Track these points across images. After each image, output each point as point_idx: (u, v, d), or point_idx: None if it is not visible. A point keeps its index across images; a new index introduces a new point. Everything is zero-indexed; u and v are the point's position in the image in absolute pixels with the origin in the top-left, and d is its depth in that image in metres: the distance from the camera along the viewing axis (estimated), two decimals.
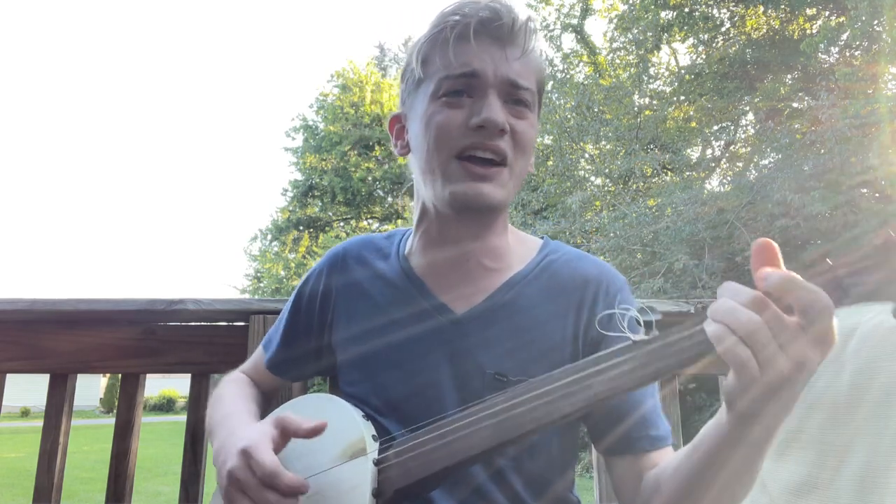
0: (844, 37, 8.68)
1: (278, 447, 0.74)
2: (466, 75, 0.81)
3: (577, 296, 0.88)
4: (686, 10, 11.53)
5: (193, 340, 1.34)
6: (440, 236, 0.90)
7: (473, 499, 0.82)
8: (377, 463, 0.77)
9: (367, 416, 0.85)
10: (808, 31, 10.48)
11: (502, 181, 0.83)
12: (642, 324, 0.65)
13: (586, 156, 11.99)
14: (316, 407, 0.91)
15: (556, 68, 13.35)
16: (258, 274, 21.13)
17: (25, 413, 25.67)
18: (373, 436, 0.80)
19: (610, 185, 11.36)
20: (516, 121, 0.83)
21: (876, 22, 7.93)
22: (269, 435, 0.74)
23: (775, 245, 0.59)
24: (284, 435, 0.75)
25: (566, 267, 0.92)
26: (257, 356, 1.07)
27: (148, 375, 1.35)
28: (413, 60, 0.86)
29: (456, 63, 0.82)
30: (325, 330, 0.98)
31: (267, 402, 1.05)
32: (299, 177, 20.81)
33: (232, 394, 0.99)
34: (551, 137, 12.00)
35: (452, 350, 0.86)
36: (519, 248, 0.94)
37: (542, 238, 0.98)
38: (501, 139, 0.81)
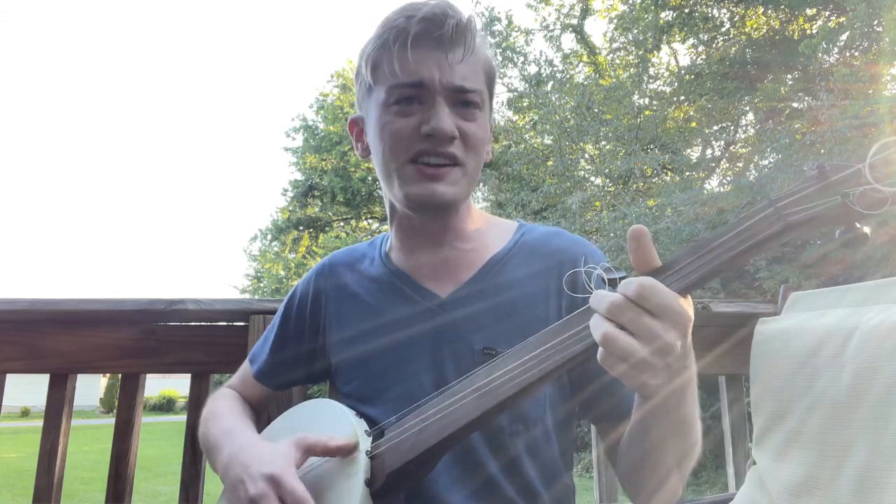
0: (844, 37, 8.67)
1: (298, 468, 0.76)
2: (413, 85, 0.84)
3: (556, 269, 0.91)
4: (686, 10, 11.52)
5: (193, 340, 1.34)
6: (412, 229, 0.94)
7: (480, 491, 0.83)
8: (369, 453, 0.78)
9: (362, 414, 0.86)
10: (808, 32, 10.48)
11: (454, 179, 0.86)
12: (607, 282, 0.66)
13: (586, 156, 11.99)
14: (310, 411, 0.94)
15: (556, 68, 13.36)
16: (258, 274, 21.12)
17: (25, 413, 25.64)
18: (365, 430, 0.81)
19: (610, 185, 11.35)
20: (466, 123, 0.86)
21: (875, 22, 7.92)
22: (292, 458, 0.75)
23: (646, 231, 0.64)
24: (307, 456, 0.78)
25: (544, 243, 0.95)
26: (244, 371, 1.08)
27: (148, 375, 1.35)
28: (363, 66, 0.89)
29: (402, 72, 0.84)
30: (318, 335, 1.00)
31: (256, 416, 1.05)
32: (299, 177, 20.79)
33: (228, 409, 0.99)
34: (551, 138, 12.01)
35: (442, 332, 0.89)
36: (493, 231, 0.98)
37: (518, 221, 1.01)
38: (451, 145, 0.84)
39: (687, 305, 0.60)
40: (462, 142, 0.85)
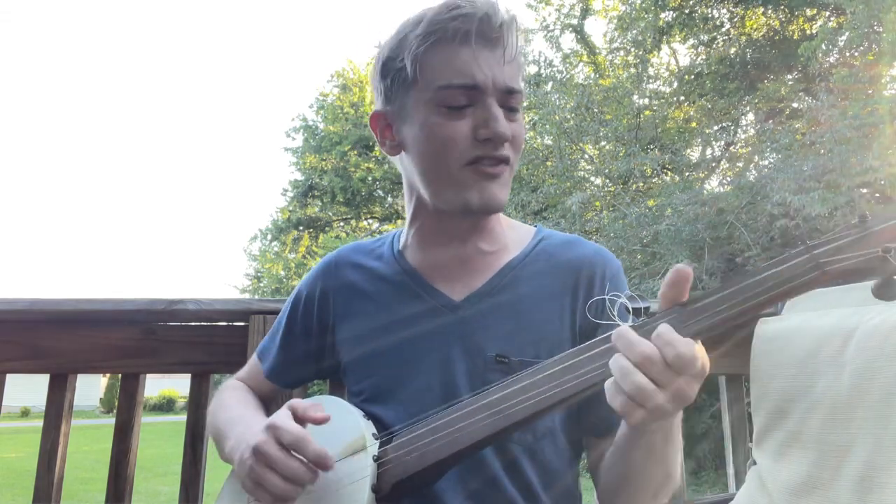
0: (843, 38, 8.67)
1: None
2: (467, 86, 0.82)
3: (573, 279, 0.91)
4: (686, 10, 11.53)
5: (193, 340, 1.33)
6: (439, 230, 0.92)
7: (481, 492, 0.83)
8: (377, 459, 0.78)
9: (370, 416, 0.86)
10: (808, 32, 10.49)
11: (505, 180, 0.86)
12: (631, 311, 0.66)
13: (586, 156, 11.98)
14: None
15: (555, 68, 13.35)
16: (258, 274, 21.10)
17: (25, 413, 25.63)
18: (373, 434, 0.81)
19: (610, 185, 11.34)
20: (512, 125, 0.85)
21: (875, 23, 7.93)
22: (284, 414, 0.76)
23: (689, 272, 0.64)
24: (298, 419, 0.77)
25: (561, 251, 0.94)
26: (253, 366, 1.07)
27: (148, 375, 1.35)
28: (405, 59, 0.84)
29: (456, 72, 0.81)
30: (326, 333, 0.99)
31: (266, 408, 1.05)
32: (299, 177, 20.77)
33: (237, 399, 1.00)
34: (551, 138, 11.99)
35: (454, 336, 0.88)
36: (511, 233, 0.97)
37: (536, 226, 1.00)
38: (504, 147, 0.84)
39: (703, 354, 0.62)
40: (511, 144, 0.85)
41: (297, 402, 0.78)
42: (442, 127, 0.82)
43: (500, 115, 0.82)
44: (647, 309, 0.65)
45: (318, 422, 0.77)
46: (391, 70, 0.87)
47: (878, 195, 7.62)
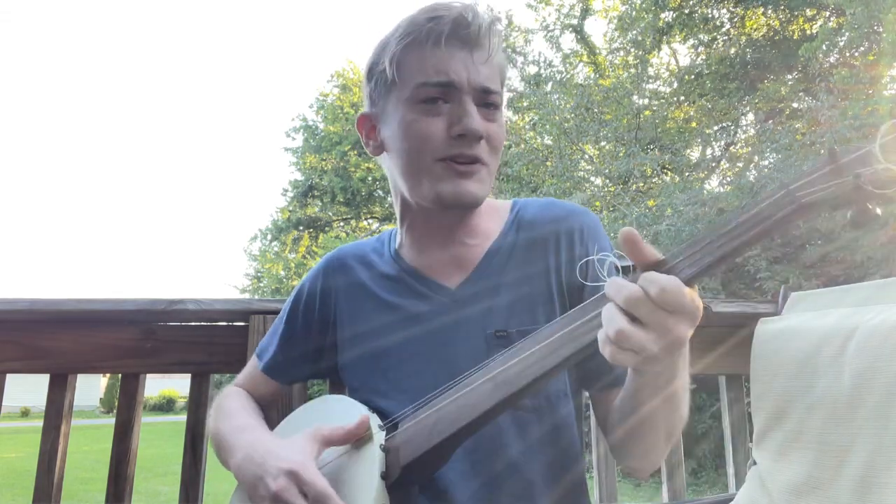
0: (843, 38, 8.68)
1: (316, 460, 0.77)
2: (443, 84, 0.84)
3: (553, 242, 0.93)
4: (686, 11, 11.55)
5: (193, 340, 1.33)
6: (426, 228, 0.95)
7: (488, 486, 0.84)
8: (384, 446, 0.79)
9: (376, 410, 0.86)
10: (808, 32, 10.51)
11: (481, 178, 0.88)
12: (621, 270, 0.66)
13: (586, 156, 12.00)
14: (322, 408, 0.94)
15: (555, 68, 13.37)
16: (258, 274, 21.14)
17: (25, 413, 25.65)
18: (379, 425, 0.82)
19: (610, 185, 11.35)
20: (489, 124, 0.87)
21: (875, 23, 7.94)
22: (309, 452, 0.76)
23: (634, 231, 0.64)
24: (324, 447, 0.79)
25: (538, 217, 0.97)
26: (251, 366, 1.08)
27: (148, 375, 1.35)
28: (385, 62, 0.88)
29: (432, 71, 0.84)
30: (328, 330, 1.00)
31: (265, 413, 1.04)
32: (299, 177, 20.82)
33: (238, 407, 0.99)
34: (551, 138, 12.01)
35: (453, 322, 0.90)
36: (493, 216, 0.99)
37: (512, 200, 1.02)
38: (479, 145, 0.86)
39: (694, 295, 0.61)
40: (487, 143, 0.87)
41: (323, 428, 0.79)
42: (417, 123, 0.85)
43: (474, 112, 0.84)
44: (635, 267, 0.66)
45: (351, 439, 0.79)
46: (374, 73, 0.91)
47: None
